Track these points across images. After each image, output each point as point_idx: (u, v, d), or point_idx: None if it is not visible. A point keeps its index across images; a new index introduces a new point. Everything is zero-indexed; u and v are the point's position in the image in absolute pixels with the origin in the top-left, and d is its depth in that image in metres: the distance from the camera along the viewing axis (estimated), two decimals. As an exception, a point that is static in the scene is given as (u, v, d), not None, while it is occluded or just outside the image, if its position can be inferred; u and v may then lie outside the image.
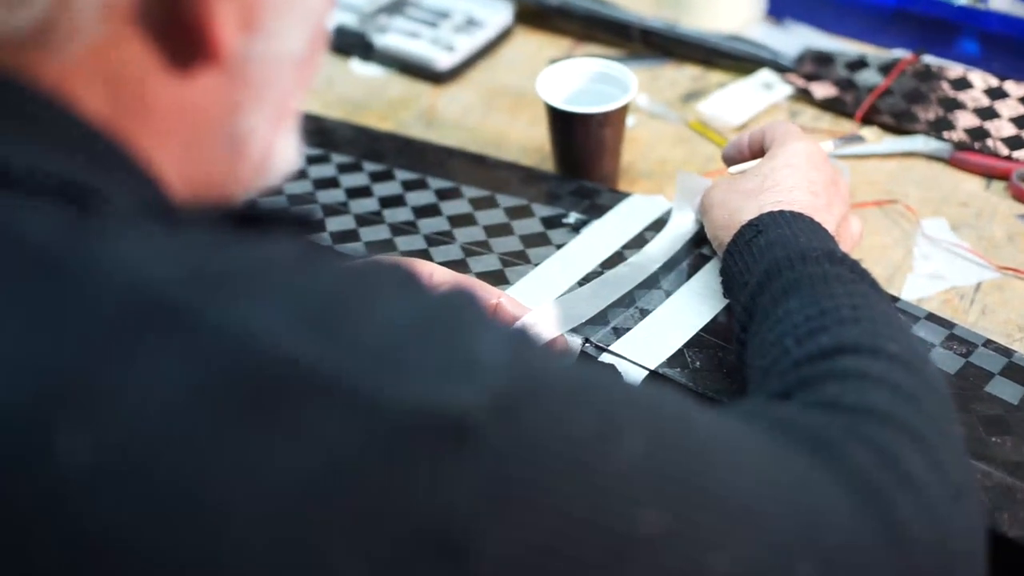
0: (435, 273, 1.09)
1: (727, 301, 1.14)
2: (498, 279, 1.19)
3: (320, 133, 1.46)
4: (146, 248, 0.56)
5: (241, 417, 0.52)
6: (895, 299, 1.20)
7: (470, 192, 1.33)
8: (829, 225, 1.06)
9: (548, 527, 0.57)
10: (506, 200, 1.32)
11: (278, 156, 0.71)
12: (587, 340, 1.11)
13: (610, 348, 1.10)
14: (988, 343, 1.15)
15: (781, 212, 1.05)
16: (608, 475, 0.60)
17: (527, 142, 1.52)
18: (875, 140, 1.30)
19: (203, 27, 0.61)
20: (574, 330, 1.12)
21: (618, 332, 1.12)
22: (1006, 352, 1.14)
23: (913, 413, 0.77)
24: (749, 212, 1.07)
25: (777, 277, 0.96)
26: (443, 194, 1.33)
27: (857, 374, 0.80)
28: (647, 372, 1.08)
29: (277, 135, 0.70)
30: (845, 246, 1.10)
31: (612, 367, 1.09)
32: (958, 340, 1.15)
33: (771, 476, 0.69)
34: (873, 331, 0.85)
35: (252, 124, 0.67)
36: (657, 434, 0.64)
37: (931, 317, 1.18)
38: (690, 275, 1.20)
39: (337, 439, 0.53)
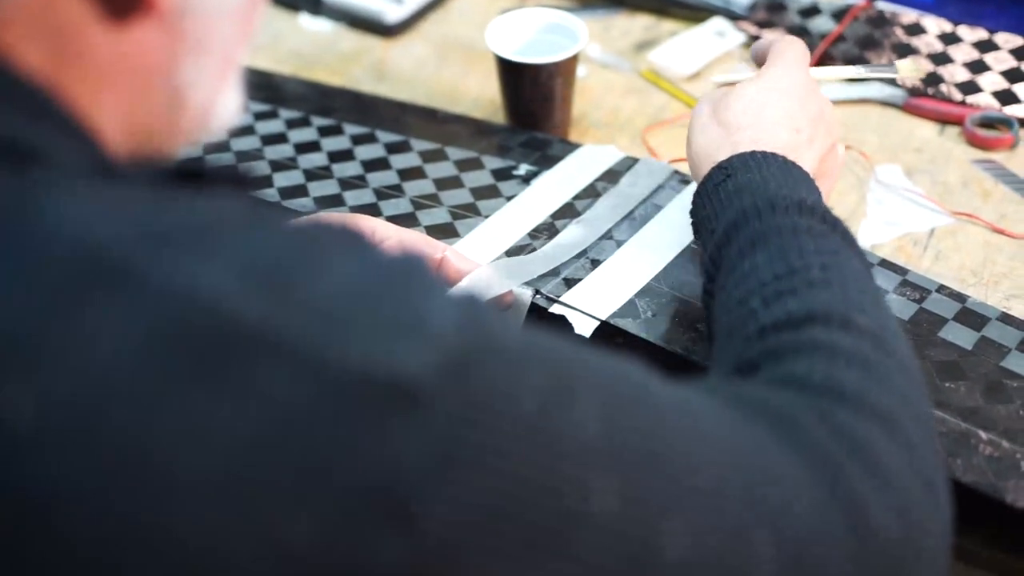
0: (377, 229, 1.08)
1: (679, 250, 1.13)
2: (448, 232, 1.18)
3: (268, 88, 1.44)
4: (90, 205, 0.56)
5: (187, 375, 0.52)
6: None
7: (420, 145, 1.32)
8: (808, 163, 1.02)
9: (498, 490, 0.56)
10: (456, 153, 1.30)
11: (220, 109, 0.70)
12: (537, 291, 1.10)
13: (560, 299, 1.09)
14: (941, 288, 1.15)
15: (753, 153, 0.99)
16: (560, 439, 0.59)
17: (480, 95, 1.50)
18: (913, 72, 1.25)
19: None
20: (525, 282, 1.11)
21: (569, 283, 1.11)
22: (959, 297, 1.14)
23: (885, 395, 0.76)
24: (723, 150, 1.01)
25: (744, 227, 0.92)
26: (392, 148, 1.32)
27: (827, 349, 0.78)
28: (598, 323, 1.07)
29: (219, 88, 0.69)
30: (829, 179, 1.07)
31: (564, 318, 1.08)
32: (911, 286, 1.15)
33: (730, 448, 0.69)
34: (844, 298, 0.83)
35: (192, 76, 0.66)
36: (612, 400, 0.63)
37: (884, 263, 1.18)
38: (642, 224, 1.19)
39: (283, 398, 0.53)
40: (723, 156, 1.00)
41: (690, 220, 1.02)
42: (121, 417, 0.51)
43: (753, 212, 0.92)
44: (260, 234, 0.58)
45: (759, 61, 1.12)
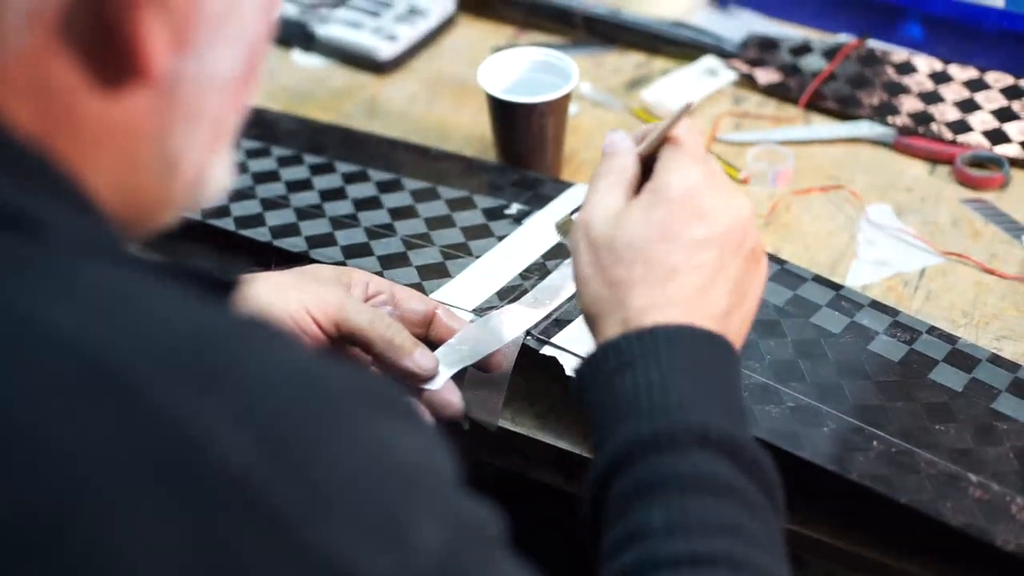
0: (371, 283, 1.09)
1: None
2: (439, 272, 1.18)
3: (261, 125, 1.45)
4: (88, 303, 0.56)
5: (159, 506, 0.52)
6: (839, 286, 1.20)
7: (411, 184, 1.32)
8: (719, 303, 0.87)
9: None
10: (448, 192, 1.31)
11: (212, 176, 0.69)
12: (528, 333, 1.10)
13: (551, 340, 1.09)
14: (932, 330, 1.15)
15: (655, 334, 0.83)
16: None
17: (471, 131, 1.51)
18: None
19: (133, 44, 0.59)
20: (516, 319, 1.11)
21: (560, 324, 1.11)
22: (950, 339, 1.14)
23: None
24: (613, 320, 0.86)
25: (639, 459, 0.79)
26: (384, 186, 1.32)
27: None
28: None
29: (211, 155, 0.68)
30: (750, 299, 0.90)
31: (555, 359, 1.07)
32: (902, 327, 1.15)
33: None
34: None
35: (185, 144, 0.65)
36: None
37: (875, 304, 1.18)
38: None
39: (247, 556, 0.52)
40: (613, 329, 0.85)
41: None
42: (85, 532, 0.51)
43: (651, 442, 0.79)
44: (266, 371, 0.57)
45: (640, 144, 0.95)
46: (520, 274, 1.18)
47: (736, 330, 0.88)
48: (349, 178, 1.34)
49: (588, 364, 0.86)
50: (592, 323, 0.88)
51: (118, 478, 0.52)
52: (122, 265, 0.61)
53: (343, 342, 1.05)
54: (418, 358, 1.04)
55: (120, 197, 0.64)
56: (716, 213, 0.87)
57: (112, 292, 0.57)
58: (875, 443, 1.01)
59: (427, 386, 1.05)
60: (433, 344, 1.08)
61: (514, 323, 1.10)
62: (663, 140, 0.91)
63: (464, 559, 0.59)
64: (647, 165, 0.92)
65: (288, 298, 1.02)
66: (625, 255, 0.86)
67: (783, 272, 1.21)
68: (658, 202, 0.87)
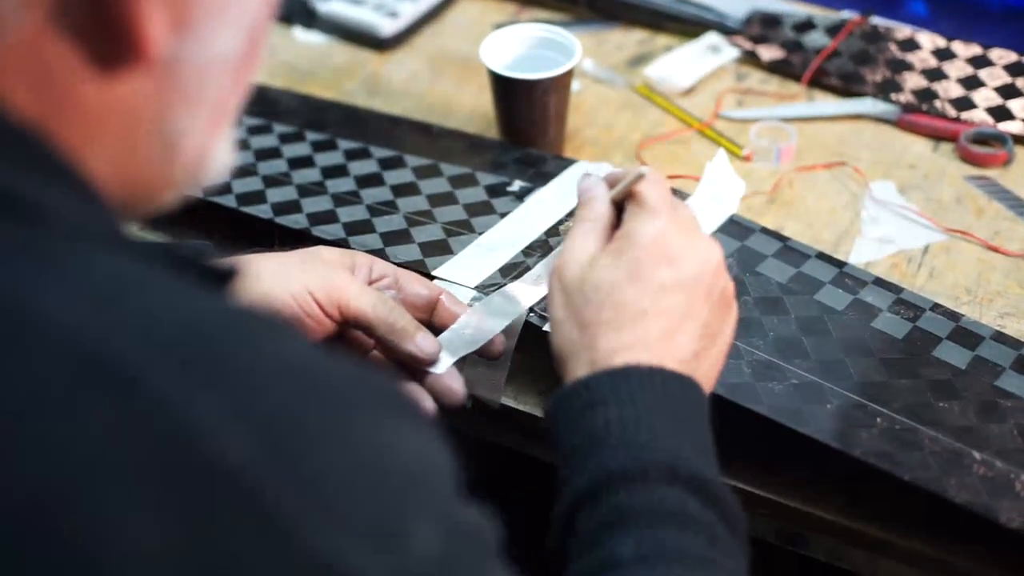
0: (375, 267, 1.09)
1: None
2: (442, 249, 1.18)
3: (262, 102, 1.44)
4: (87, 291, 0.56)
5: (155, 500, 0.51)
6: (842, 263, 1.19)
7: (413, 161, 1.32)
8: (686, 346, 0.89)
9: None
10: (450, 169, 1.30)
11: (213, 158, 0.69)
12: (531, 310, 1.09)
13: None
14: (936, 307, 1.15)
15: (626, 374, 0.86)
16: None
17: (474, 109, 1.50)
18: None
19: (131, 26, 0.58)
20: (519, 297, 1.10)
21: None
22: (953, 316, 1.14)
23: None
24: (582, 360, 0.88)
25: (609, 493, 0.81)
26: (386, 163, 1.32)
27: None
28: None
29: (212, 137, 0.68)
30: (720, 344, 0.93)
31: None
32: (905, 304, 1.15)
33: None
34: None
35: (185, 126, 0.65)
36: None
37: (879, 282, 1.18)
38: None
39: (244, 554, 0.52)
40: (582, 369, 0.88)
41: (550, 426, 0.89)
42: (80, 522, 0.51)
43: (620, 477, 0.81)
44: (267, 365, 0.57)
45: (612, 185, 0.97)
46: (522, 251, 1.17)
47: (705, 372, 0.90)
48: (351, 155, 1.33)
49: (558, 401, 0.88)
50: (562, 364, 0.91)
51: (114, 469, 0.51)
52: (122, 252, 0.60)
53: (346, 325, 1.05)
54: (420, 342, 1.04)
55: (120, 180, 0.64)
56: (684, 258, 0.91)
57: (112, 281, 0.57)
58: (879, 420, 1.01)
59: (431, 369, 1.05)
60: (436, 329, 1.08)
61: (516, 302, 1.10)
62: (631, 189, 0.94)
63: (460, 564, 0.59)
64: (620, 208, 0.96)
65: (291, 279, 1.02)
66: (594, 298, 0.90)
67: (786, 249, 1.20)
68: (627, 248, 0.91)
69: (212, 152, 0.68)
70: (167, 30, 0.60)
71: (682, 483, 0.81)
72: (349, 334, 1.06)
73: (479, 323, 1.08)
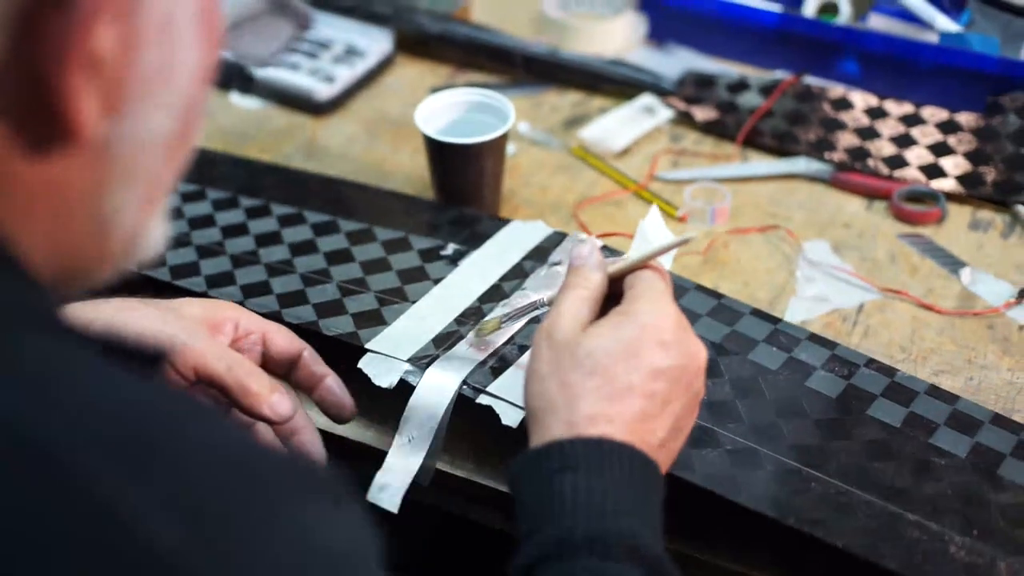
0: (240, 321, 1.09)
1: None
2: (375, 319, 1.17)
3: (197, 167, 1.43)
4: (20, 378, 0.56)
5: None
6: (777, 319, 1.19)
7: (348, 226, 1.31)
8: (659, 432, 0.90)
9: None
10: (384, 233, 1.30)
11: (147, 235, 0.69)
12: (464, 382, 1.09)
13: (487, 389, 1.08)
14: (870, 363, 1.15)
15: (600, 445, 0.86)
16: None
17: (411, 172, 1.50)
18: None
19: (64, 109, 0.58)
20: (452, 370, 1.10)
21: (495, 372, 1.10)
22: (888, 371, 1.14)
23: None
24: (558, 422, 0.88)
25: (567, 558, 0.82)
26: (320, 229, 1.31)
27: None
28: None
29: (147, 214, 0.68)
30: (684, 432, 0.93)
31: (491, 409, 1.07)
32: (840, 361, 1.15)
33: None
34: None
35: (120, 204, 0.65)
36: None
37: (813, 338, 1.18)
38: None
39: None
40: (558, 429, 0.88)
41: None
42: None
43: (582, 544, 0.82)
44: (197, 454, 0.57)
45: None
46: (455, 319, 1.17)
47: (664, 463, 0.91)
48: (285, 221, 1.33)
49: (530, 459, 0.88)
50: (535, 418, 0.91)
51: (45, 558, 0.51)
52: (56, 336, 0.60)
53: (200, 384, 1.05)
54: (275, 404, 1.04)
55: (55, 258, 0.63)
56: (678, 349, 0.91)
57: (46, 368, 0.57)
58: (813, 484, 1.01)
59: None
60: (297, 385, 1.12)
61: (447, 379, 1.10)
62: (640, 266, 0.96)
63: None
64: (612, 287, 0.97)
65: (150, 333, 1.03)
66: (585, 363, 0.90)
67: (721, 307, 1.20)
68: (628, 323, 0.91)
69: (147, 227, 0.68)
70: (100, 112, 0.60)
71: (642, 563, 0.82)
72: (205, 392, 1.06)
73: (421, 417, 1.09)
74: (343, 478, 0.64)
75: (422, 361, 1.11)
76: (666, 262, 1.20)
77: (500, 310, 1.16)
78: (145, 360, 0.65)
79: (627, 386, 0.89)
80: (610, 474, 0.85)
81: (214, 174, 1.43)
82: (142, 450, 0.55)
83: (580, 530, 0.82)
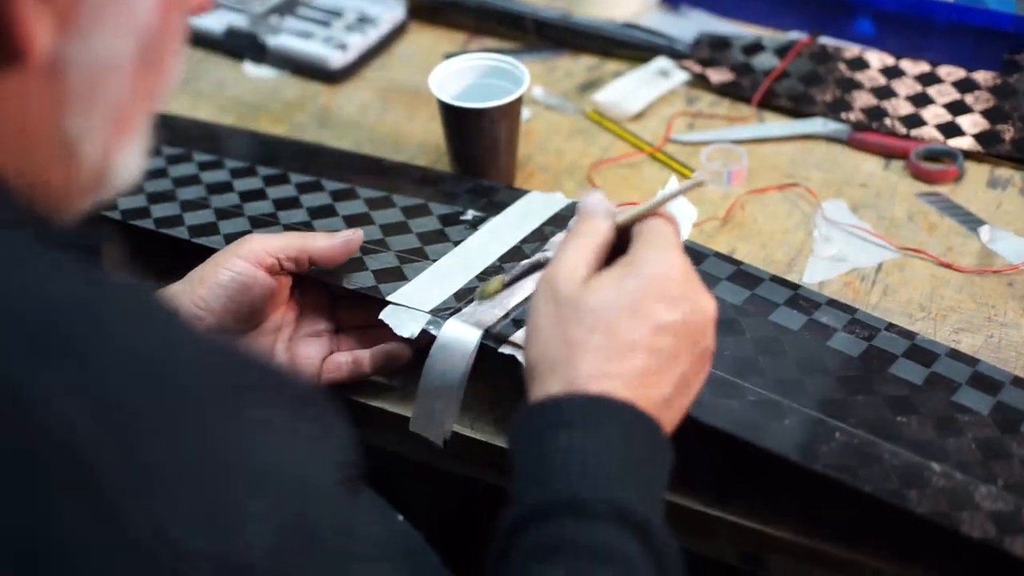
0: (268, 247, 1.11)
1: None
2: (396, 275, 1.17)
3: (212, 139, 1.44)
4: None
5: None
6: (796, 285, 1.19)
7: (366, 193, 1.31)
8: (664, 389, 0.87)
9: None
10: (402, 200, 1.30)
11: (118, 165, 0.70)
12: (487, 331, 1.09)
13: (510, 339, 1.08)
14: (890, 327, 1.15)
15: (598, 404, 0.84)
16: None
17: (425, 140, 1.50)
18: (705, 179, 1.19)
19: (14, 26, 0.60)
20: (475, 323, 1.10)
21: (517, 323, 1.10)
22: (908, 335, 1.14)
23: None
24: (557, 377, 0.86)
25: (553, 520, 0.79)
26: (338, 195, 1.31)
27: None
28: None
29: (115, 143, 0.69)
30: (692, 389, 0.90)
31: (513, 358, 1.06)
32: (860, 324, 1.15)
33: None
34: None
35: (82, 129, 0.66)
36: None
37: (832, 303, 1.17)
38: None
39: (70, 527, 0.54)
40: (556, 387, 0.85)
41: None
42: None
43: (570, 507, 0.80)
44: (119, 352, 0.58)
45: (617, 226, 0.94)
46: (476, 276, 1.17)
47: (671, 420, 0.88)
48: (303, 188, 1.33)
49: (526, 415, 0.86)
50: (534, 374, 0.88)
51: None
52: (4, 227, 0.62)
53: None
54: (347, 233, 1.15)
55: (23, 181, 0.64)
56: (685, 304, 0.88)
57: None
58: (837, 435, 1.01)
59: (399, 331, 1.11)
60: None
61: (469, 330, 1.09)
62: (650, 214, 0.92)
63: (296, 558, 0.60)
64: (620, 237, 0.93)
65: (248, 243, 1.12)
66: (587, 319, 0.86)
67: (740, 272, 1.20)
68: (633, 275, 0.88)
69: (117, 159, 0.69)
70: (51, 30, 0.61)
71: (628, 525, 0.79)
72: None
73: (444, 365, 1.08)
74: (322, 396, 0.65)
75: (443, 313, 1.11)
76: (684, 230, 1.19)
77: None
78: (86, 249, 0.66)
79: (630, 343, 0.86)
80: (607, 433, 0.83)
81: (230, 147, 1.43)
82: (58, 339, 0.56)
83: (568, 492, 0.80)
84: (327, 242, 1.13)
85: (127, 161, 0.70)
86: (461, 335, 1.09)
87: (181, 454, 0.57)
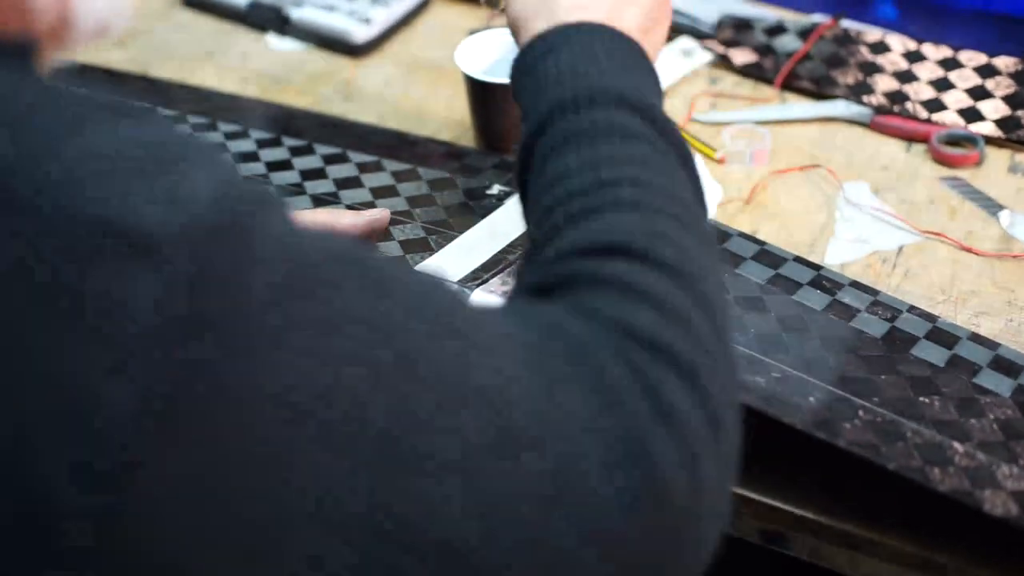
0: (344, 218, 1.13)
1: None
2: (422, 246, 1.18)
3: (236, 110, 1.44)
4: None
5: None
6: (819, 267, 1.20)
7: (392, 166, 1.32)
8: (633, 19, 0.96)
9: (227, 358, 0.57)
10: (429, 173, 1.30)
11: (81, 13, 0.68)
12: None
13: None
14: (912, 309, 1.16)
15: (579, 27, 0.92)
16: (306, 321, 0.59)
17: (448, 115, 1.50)
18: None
19: None
20: (503, 294, 1.10)
21: None
22: (930, 318, 1.15)
23: (679, 337, 0.73)
24: (540, 18, 0.94)
25: (560, 119, 0.86)
26: (364, 167, 1.32)
27: (621, 285, 0.75)
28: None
29: None
30: (660, 28, 1.00)
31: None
32: (882, 306, 1.16)
33: (518, 362, 0.68)
34: (651, 227, 0.78)
35: None
36: (373, 294, 0.64)
37: (855, 284, 1.18)
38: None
39: (9, 244, 0.54)
40: (541, 25, 0.93)
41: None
42: None
43: (571, 104, 0.86)
44: (32, 92, 0.59)
45: None
46: (502, 249, 1.18)
47: (647, 49, 0.95)
48: (329, 160, 1.34)
49: (518, 59, 0.94)
50: (520, 27, 0.96)
51: None
52: None
53: None
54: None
55: None
56: None
57: None
58: (861, 413, 1.02)
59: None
60: None
61: (498, 300, 1.10)
62: None
63: (240, 206, 0.60)
64: None
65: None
66: None
67: (764, 252, 1.21)
68: None
69: (77, 7, 0.68)
70: None
71: (628, 107, 0.85)
72: None
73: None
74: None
75: (471, 284, 1.12)
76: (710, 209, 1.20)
77: None
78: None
79: None
80: (592, 48, 0.90)
81: (254, 118, 1.44)
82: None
83: (565, 95, 0.86)
84: (352, 220, 1.13)
85: (92, 9, 0.68)
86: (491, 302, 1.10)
87: (102, 146, 0.58)
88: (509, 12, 0.98)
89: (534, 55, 0.91)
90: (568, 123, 0.85)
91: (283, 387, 0.58)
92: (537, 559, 0.65)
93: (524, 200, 0.89)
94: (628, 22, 0.94)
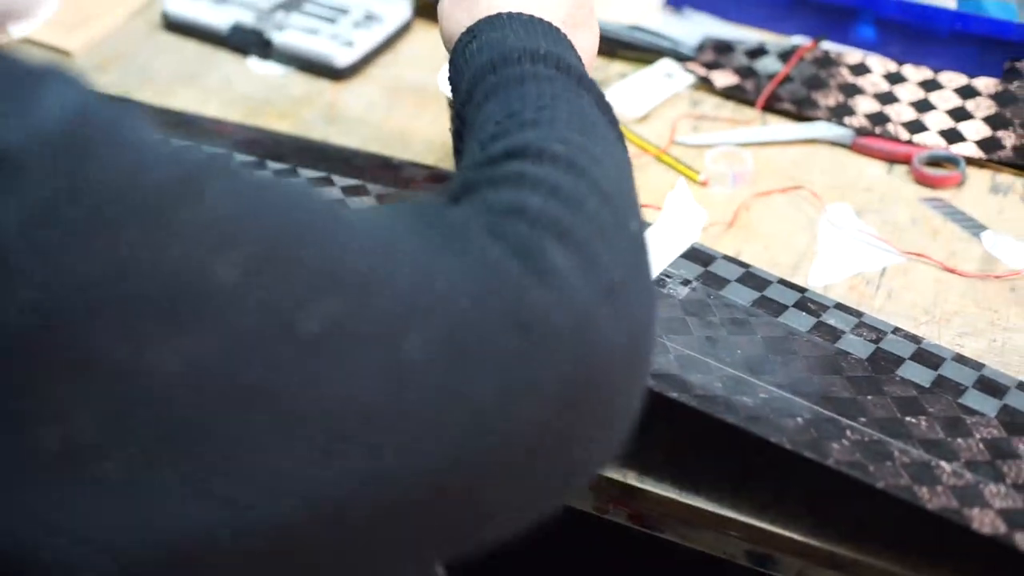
0: None
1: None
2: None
3: (219, 135, 1.44)
4: None
5: None
6: (804, 289, 1.21)
7: (376, 189, 1.32)
8: (554, 12, 1.02)
9: (101, 265, 0.57)
10: (413, 196, 1.30)
11: None
12: None
13: None
14: (897, 331, 1.17)
15: (498, 15, 0.99)
16: (178, 223, 0.59)
17: (432, 138, 1.51)
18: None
19: None
20: None
21: None
22: (915, 339, 1.16)
23: (568, 213, 0.75)
24: (465, 21, 1.02)
25: (481, 82, 0.93)
26: (349, 191, 1.32)
27: (514, 178, 0.78)
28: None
29: None
30: (586, 28, 1.07)
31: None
32: (867, 327, 1.16)
33: (387, 251, 0.68)
34: (547, 134, 0.82)
35: None
36: (251, 192, 0.64)
37: (840, 306, 1.19)
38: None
39: None
40: (467, 24, 1.01)
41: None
42: None
43: (489, 68, 0.93)
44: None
45: None
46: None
47: (573, 40, 1.01)
48: (313, 183, 1.33)
49: (453, 52, 1.01)
50: (449, 39, 1.04)
51: None
52: None
53: None
54: None
55: None
56: None
57: None
58: (848, 433, 1.02)
59: None
60: None
61: None
62: None
63: (106, 116, 0.60)
64: None
65: None
66: None
67: (749, 275, 1.22)
68: None
69: None
70: None
71: (540, 60, 0.92)
72: None
73: None
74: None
75: None
76: (694, 234, 1.22)
77: None
78: None
79: None
80: (509, 27, 0.97)
81: (238, 144, 1.44)
82: None
83: (485, 60, 0.94)
84: None
85: None
86: None
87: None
88: (442, 29, 1.06)
89: (460, 47, 0.99)
90: (487, 84, 0.92)
91: (158, 287, 0.58)
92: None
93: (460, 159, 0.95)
94: (551, 12, 1.00)
